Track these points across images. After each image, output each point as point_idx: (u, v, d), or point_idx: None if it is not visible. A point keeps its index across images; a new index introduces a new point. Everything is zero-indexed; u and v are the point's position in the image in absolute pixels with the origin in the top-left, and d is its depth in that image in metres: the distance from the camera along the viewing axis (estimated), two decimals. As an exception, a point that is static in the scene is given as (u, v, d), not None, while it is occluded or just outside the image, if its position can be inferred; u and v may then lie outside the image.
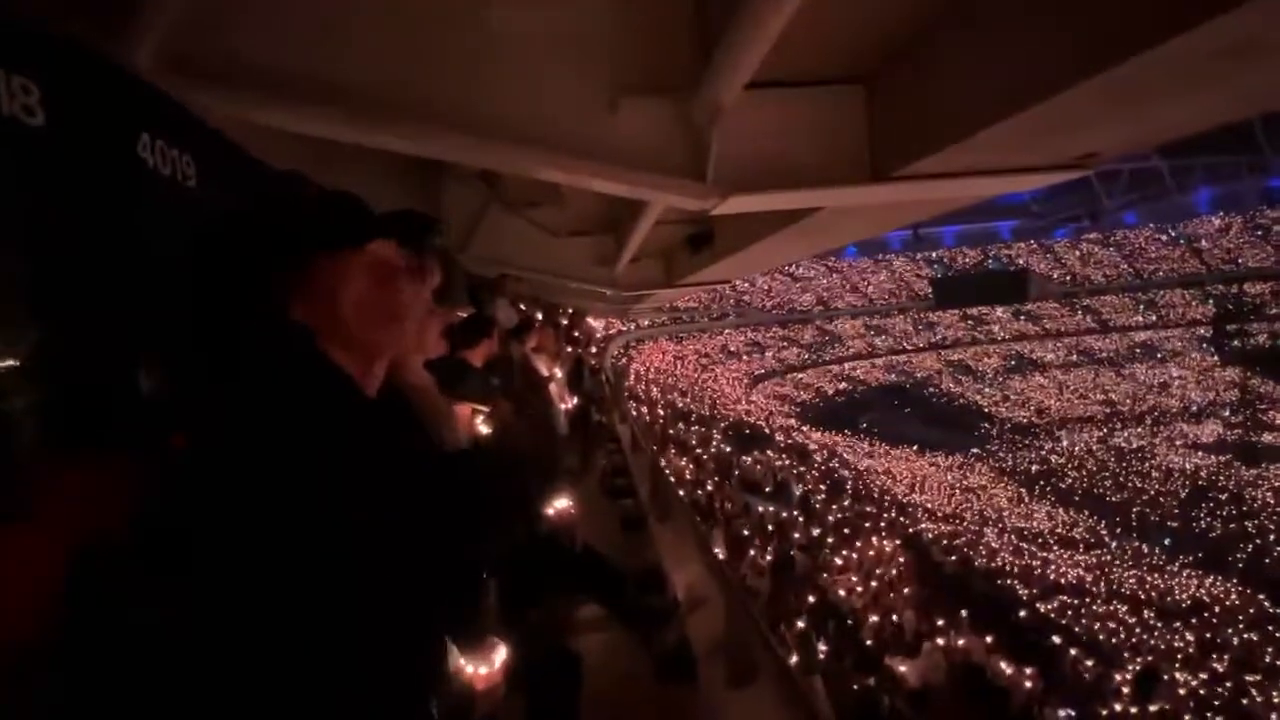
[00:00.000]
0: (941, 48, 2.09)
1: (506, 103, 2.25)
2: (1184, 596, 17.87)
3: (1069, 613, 14.80)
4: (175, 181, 2.70)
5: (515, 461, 1.80)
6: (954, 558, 15.22)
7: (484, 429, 1.73)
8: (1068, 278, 39.91)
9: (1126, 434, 33.79)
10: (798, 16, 1.65)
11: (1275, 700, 12.26)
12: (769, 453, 19.70)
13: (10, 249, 1.99)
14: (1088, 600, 15.96)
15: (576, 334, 10.60)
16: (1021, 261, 40.13)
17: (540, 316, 6.07)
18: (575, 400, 6.15)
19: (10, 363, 1.99)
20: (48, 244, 1.95)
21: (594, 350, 13.23)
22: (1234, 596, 18.16)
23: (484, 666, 1.18)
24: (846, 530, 13.18)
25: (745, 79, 1.90)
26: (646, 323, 31.30)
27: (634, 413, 10.95)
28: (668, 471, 6.12)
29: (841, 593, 9.39)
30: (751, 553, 8.51)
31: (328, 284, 0.82)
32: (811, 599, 8.48)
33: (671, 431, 14.18)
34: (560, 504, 1.94)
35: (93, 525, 1.53)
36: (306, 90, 2.24)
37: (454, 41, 2.22)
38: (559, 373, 3.41)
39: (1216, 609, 16.93)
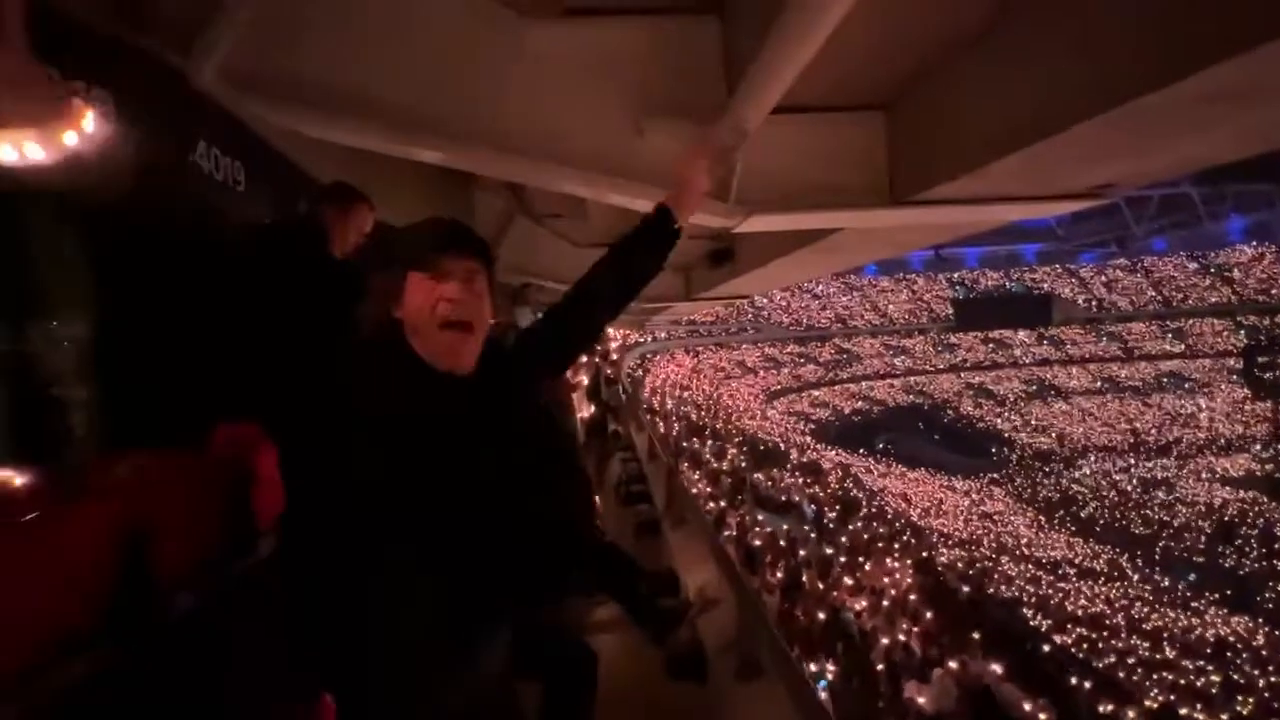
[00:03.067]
0: (958, 77, 2.16)
1: (537, 121, 2.36)
2: (1208, 634, 17.32)
3: (1086, 646, 14.44)
4: (226, 185, 2.86)
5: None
6: (969, 584, 14.96)
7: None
8: (1093, 303, 39.27)
9: (1152, 465, 32.97)
10: (822, 44, 1.73)
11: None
12: (783, 469, 19.59)
13: (70, 246, 2.13)
14: (1106, 634, 15.56)
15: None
16: (1045, 285, 39.62)
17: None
18: (593, 409, 6.23)
19: (70, 355, 2.13)
20: (106, 242, 2.09)
21: (611, 360, 13.32)
22: (1261, 637, 17.56)
23: None
24: (860, 551, 13.04)
25: (771, 106, 1.98)
26: (664, 335, 31.39)
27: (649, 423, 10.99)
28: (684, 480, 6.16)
29: (853, 614, 9.30)
30: (765, 570, 8.47)
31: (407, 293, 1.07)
32: (822, 617, 8.42)
33: (685, 445, 14.19)
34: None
35: (142, 509, 1.64)
36: (351, 105, 2.37)
37: (488, 62, 2.33)
38: (585, 380, 3.50)
39: (1242, 649, 16.38)
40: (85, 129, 0.60)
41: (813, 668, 6.31)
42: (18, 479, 1.56)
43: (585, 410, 4.20)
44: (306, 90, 2.34)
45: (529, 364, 1.23)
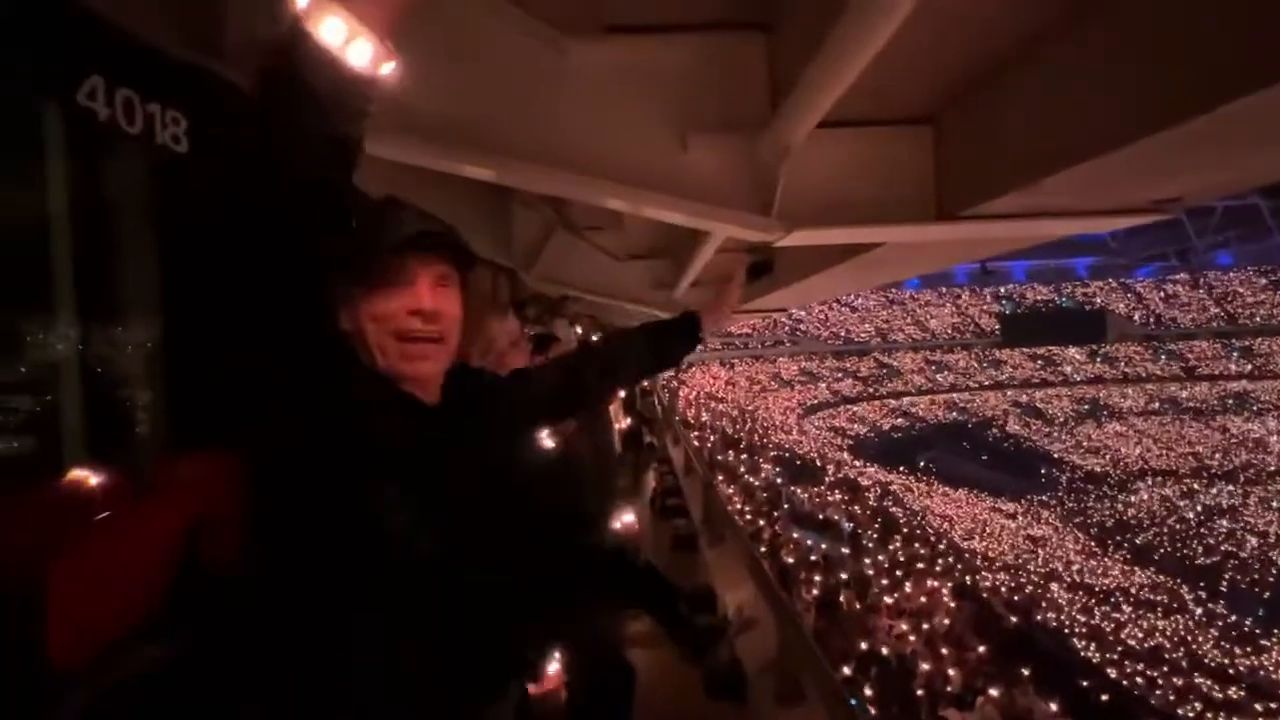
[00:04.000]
0: (1009, 90, 2.10)
1: (580, 136, 2.39)
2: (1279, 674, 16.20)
3: (1142, 681, 13.66)
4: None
5: (575, 478, 1.90)
6: (1015, 611, 14.36)
7: (549, 444, 1.84)
8: (1151, 320, 37.56)
9: (1215, 491, 31.12)
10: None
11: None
12: (819, 485, 19.22)
13: (148, 259, 2.26)
14: (1166, 669, 14.70)
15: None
16: (1099, 300, 38.11)
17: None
18: (628, 421, 6.25)
19: (135, 358, 2.25)
20: (182, 256, 2.20)
21: (647, 372, 13.34)
22: (1340, 679, 16.34)
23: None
24: (899, 572, 12.67)
25: (816, 121, 1.97)
26: (698, 347, 31.26)
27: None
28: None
29: (891, 637, 9.03)
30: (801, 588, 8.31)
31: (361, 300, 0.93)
32: (860, 642, 8.20)
33: (720, 458, 14.07)
34: (626, 519, 2.03)
35: (202, 506, 1.72)
36: (398, 121, 2.46)
37: (533, 79, 2.38)
38: (622, 392, 3.51)
39: (1318, 691, 15.27)
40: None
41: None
42: (92, 478, 1.66)
43: (621, 422, 4.21)
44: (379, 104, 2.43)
45: (519, 410, 1.12)
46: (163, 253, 2.20)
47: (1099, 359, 38.02)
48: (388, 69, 0.79)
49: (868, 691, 6.71)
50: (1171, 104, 1.50)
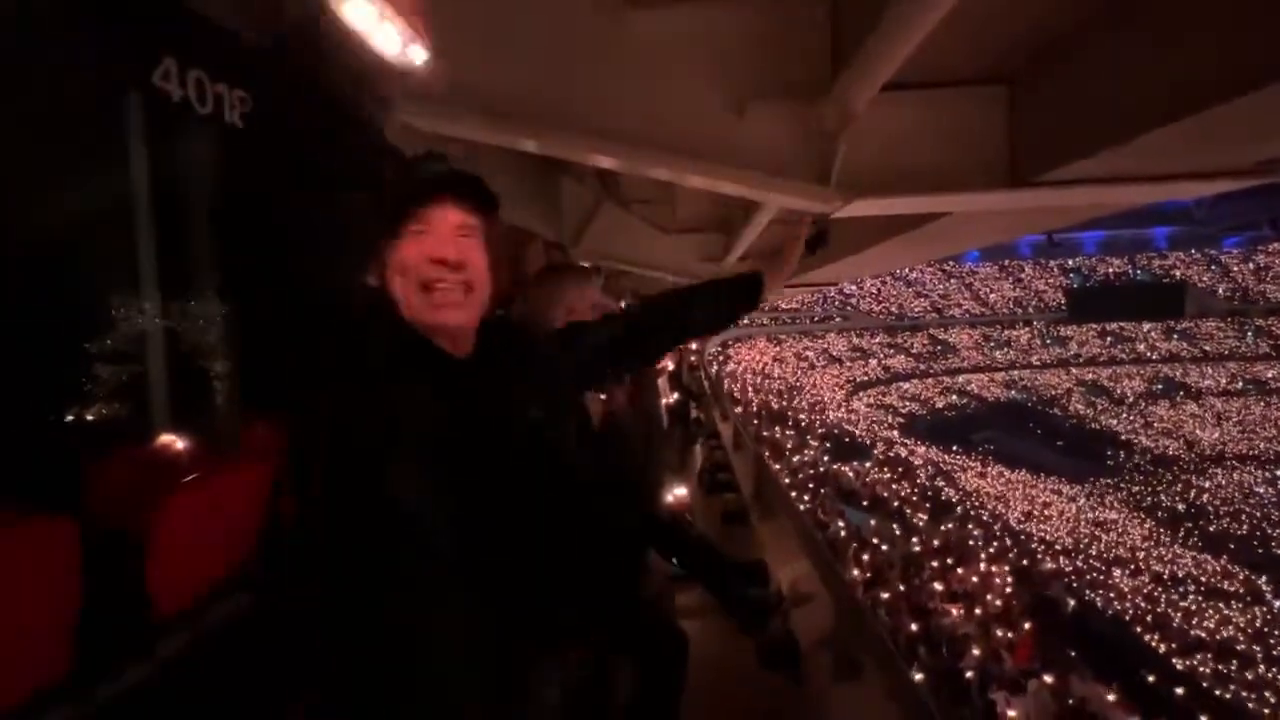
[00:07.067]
0: (1100, 44, 1.94)
1: (636, 106, 2.35)
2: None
3: (1209, 672, 13.05)
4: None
5: (622, 448, 1.91)
6: (1073, 596, 13.87)
7: (594, 410, 1.84)
8: (1236, 293, 34.88)
9: (1301, 478, 29.01)
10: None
11: None
12: (868, 464, 18.89)
13: (219, 236, 2.36)
14: (1238, 663, 13.98)
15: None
16: (1178, 273, 35.59)
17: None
18: (675, 396, 6.25)
19: (213, 332, 2.37)
20: (249, 230, 2.29)
21: (694, 346, 13.28)
22: None
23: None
24: (950, 553, 12.39)
25: (880, 84, 1.88)
26: (746, 321, 30.92)
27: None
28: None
29: (942, 620, 8.88)
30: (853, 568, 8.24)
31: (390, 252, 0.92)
32: (907, 619, 8.10)
33: (766, 434, 13.97)
34: (679, 491, 2.04)
35: (281, 466, 1.82)
36: (454, 96, 2.46)
37: (589, 48, 2.35)
38: (669, 365, 3.50)
39: None
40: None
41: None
42: (179, 443, 1.78)
43: (669, 396, 4.20)
44: (411, 82, 2.45)
45: (572, 365, 1.08)
46: (234, 228, 2.30)
47: (1176, 335, 35.66)
48: (417, 51, 0.74)
49: (918, 676, 6.64)
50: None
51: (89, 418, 1.81)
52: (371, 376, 0.86)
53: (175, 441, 1.60)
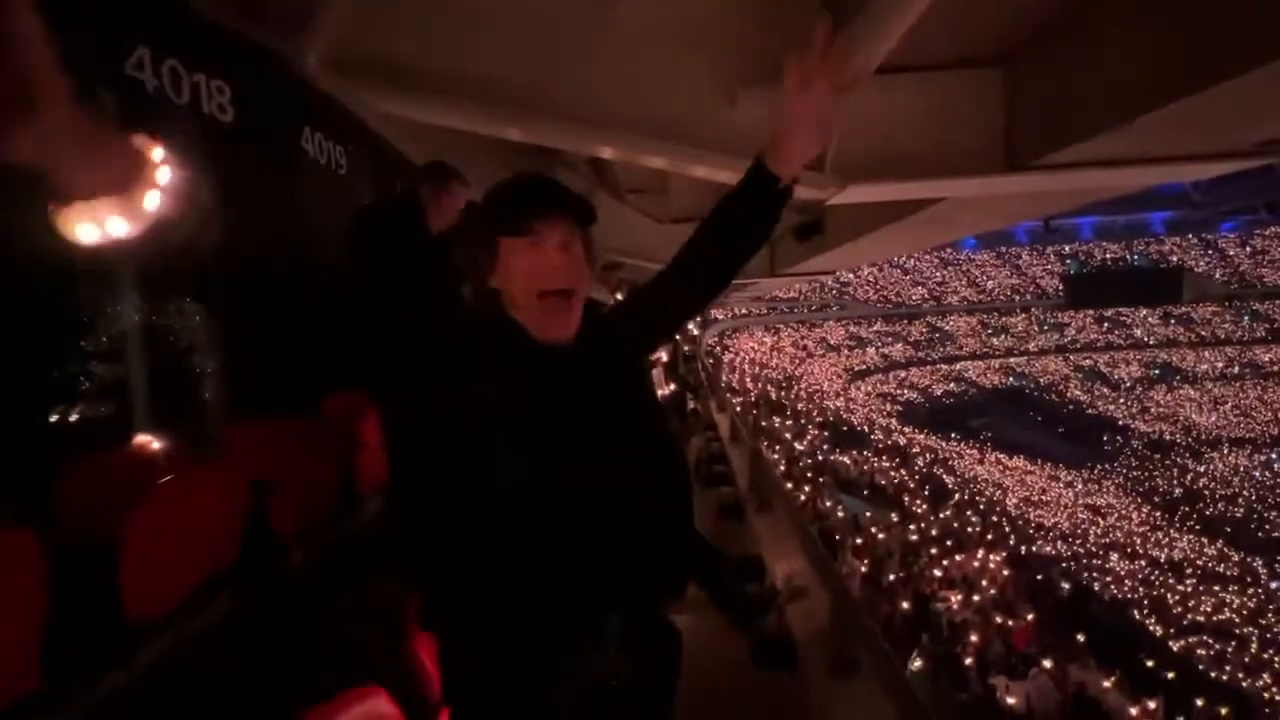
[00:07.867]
0: (1099, 25, 1.89)
1: (628, 94, 2.31)
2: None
3: (1204, 654, 13.15)
4: (330, 169, 3.02)
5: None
6: (1070, 580, 13.95)
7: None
8: (1233, 278, 34.87)
9: (1297, 461, 29.11)
10: (934, -2, 1.57)
11: None
12: (866, 452, 18.92)
13: (199, 230, 2.31)
14: (1233, 645, 14.09)
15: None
16: (1175, 258, 35.55)
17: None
18: (672, 386, 6.21)
19: (202, 331, 2.32)
20: (232, 224, 2.24)
21: (691, 337, 13.24)
22: None
23: None
24: (949, 540, 12.44)
25: (876, 64, 1.83)
26: (743, 312, 30.84)
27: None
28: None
29: (941, 606, 8.91)
30: (848, 556, 8.25)
31: (500, 261, 1.01)
32: (906, 606, 8.12)
33: (764, 424, 13.96)
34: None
35: (267, 470, 1.78)
36: (443, 86, 2.41)
37: (580, 35, 2.29)
38: (664, 357, 3.46)
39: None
40: (161, 182, 0.49)
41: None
42: (155, 444, 1.74)
43: (665, 388, 4.17)
44: (403, 73, 2.40)
45: (629, 336, 1.15)
46: (219, 223, 2.25)
47: (1173, 320, 35.67)
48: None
49: (917, 663, 6.66)
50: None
51: (65, 420, 1.77)
52: (489, 368, 0.98)
53: (152, 443, 1.55)
